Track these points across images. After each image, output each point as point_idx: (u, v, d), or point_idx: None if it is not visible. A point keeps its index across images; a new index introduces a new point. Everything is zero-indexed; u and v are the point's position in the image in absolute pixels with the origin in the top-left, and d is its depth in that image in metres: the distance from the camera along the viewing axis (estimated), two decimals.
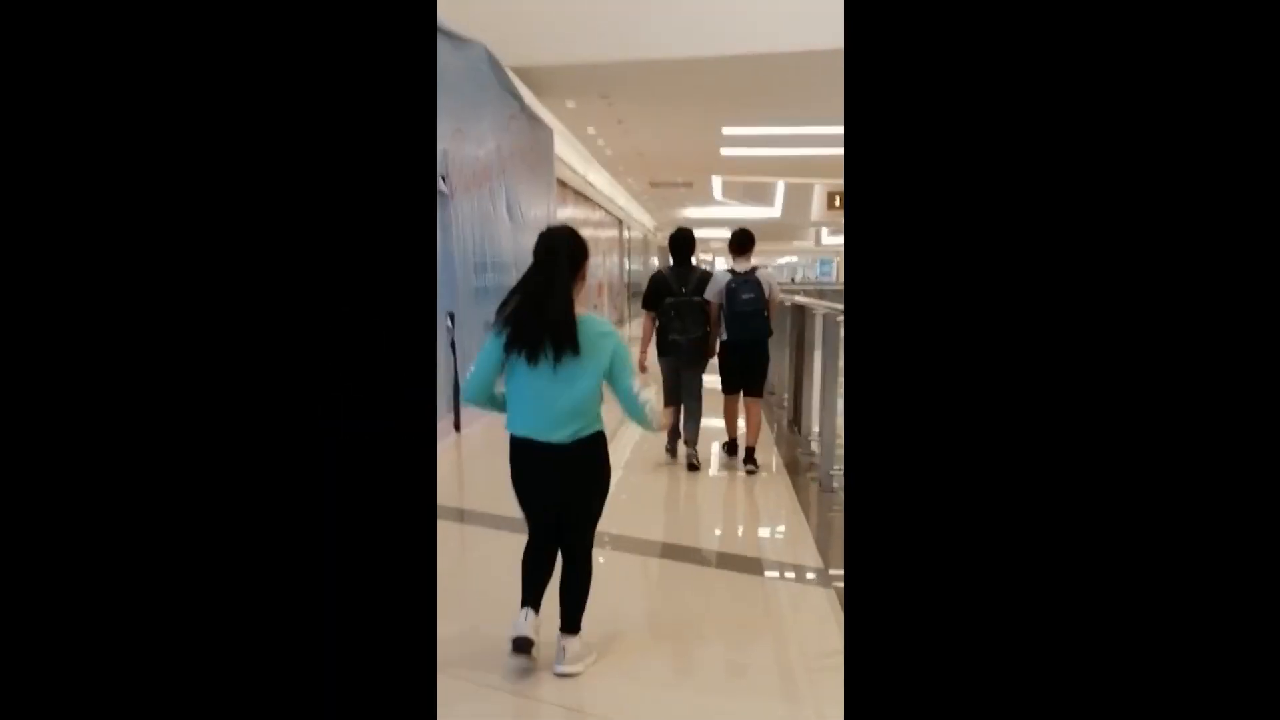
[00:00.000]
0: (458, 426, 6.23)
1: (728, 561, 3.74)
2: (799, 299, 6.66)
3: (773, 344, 6.03)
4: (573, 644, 2.57)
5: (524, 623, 2.49)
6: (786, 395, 7.03)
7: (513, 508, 2.69)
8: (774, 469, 5.49)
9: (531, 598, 2.55)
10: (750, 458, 5.27)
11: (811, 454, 5.60)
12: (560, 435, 2.47)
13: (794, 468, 5.43)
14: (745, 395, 5.31)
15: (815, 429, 5.71)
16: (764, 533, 4.48)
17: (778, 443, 6.22)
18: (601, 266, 16.49)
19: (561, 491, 2.55)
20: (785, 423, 6.80)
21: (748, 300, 5.02)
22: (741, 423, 5.41)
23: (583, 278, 2.59)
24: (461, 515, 4.41)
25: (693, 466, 5.24)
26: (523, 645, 2.47)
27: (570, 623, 2.59)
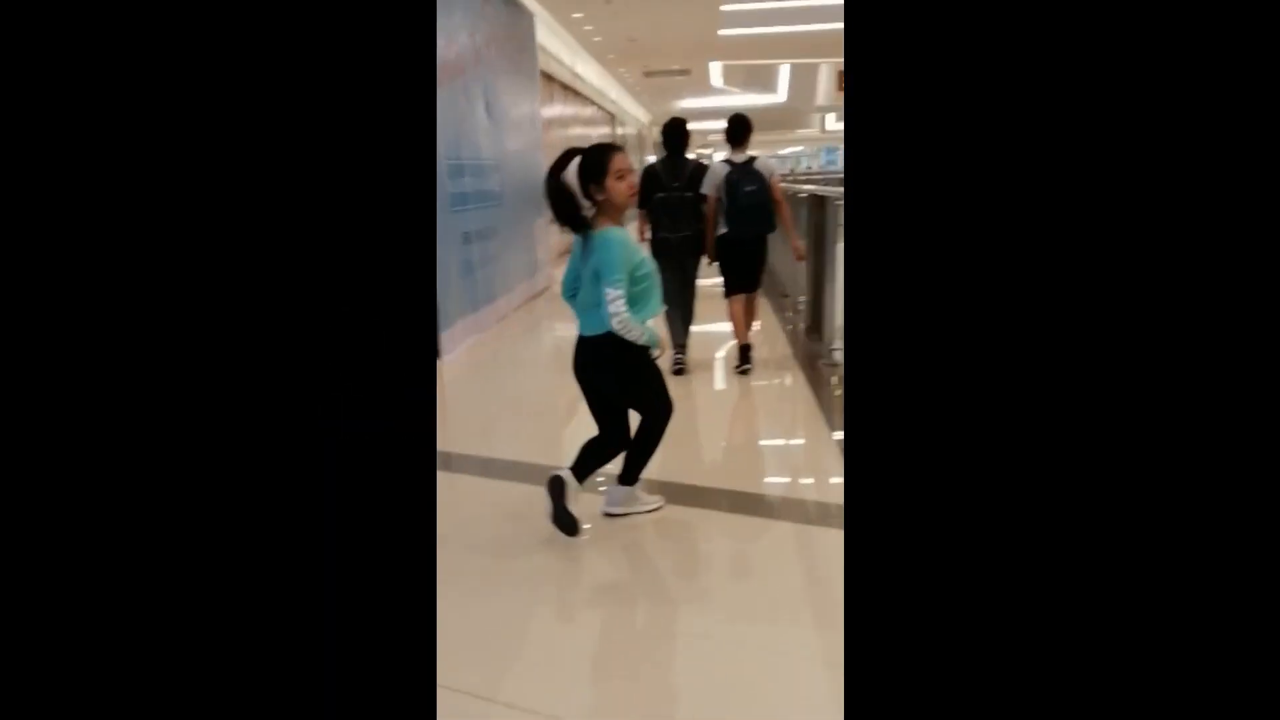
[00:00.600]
0: (435, 353, 5.67)
1: (758, 507, 3.21)
2: (814, 189, 5.96)
3: (785, 244, 5.72)
4: (617, 491, 2.97)
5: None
6: (803, 298, 6.40)
7: (501, 449, 2.75)
8: (794, 381, 4.95)
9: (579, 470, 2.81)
10: (747, 355, 5.07)
11: (835, 364, 5.04)
12: (584, 329, 2.72)
13: (817, 381, 4.87)
14: (746, 295, 5.03)
15: (840, 335, 5.16)
16: (796, 461, 3.93)
17: (795, 352, 5.64)
18: None
19: (594, 379, 2.78)
20: (803, 329, 6.19)
21: (751, 192, 4.69)
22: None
23: (608, 188, 2.59)
24: (448, 461, 3.81)
25: (678, 370, 4.98)
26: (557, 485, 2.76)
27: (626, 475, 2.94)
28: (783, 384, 5.03)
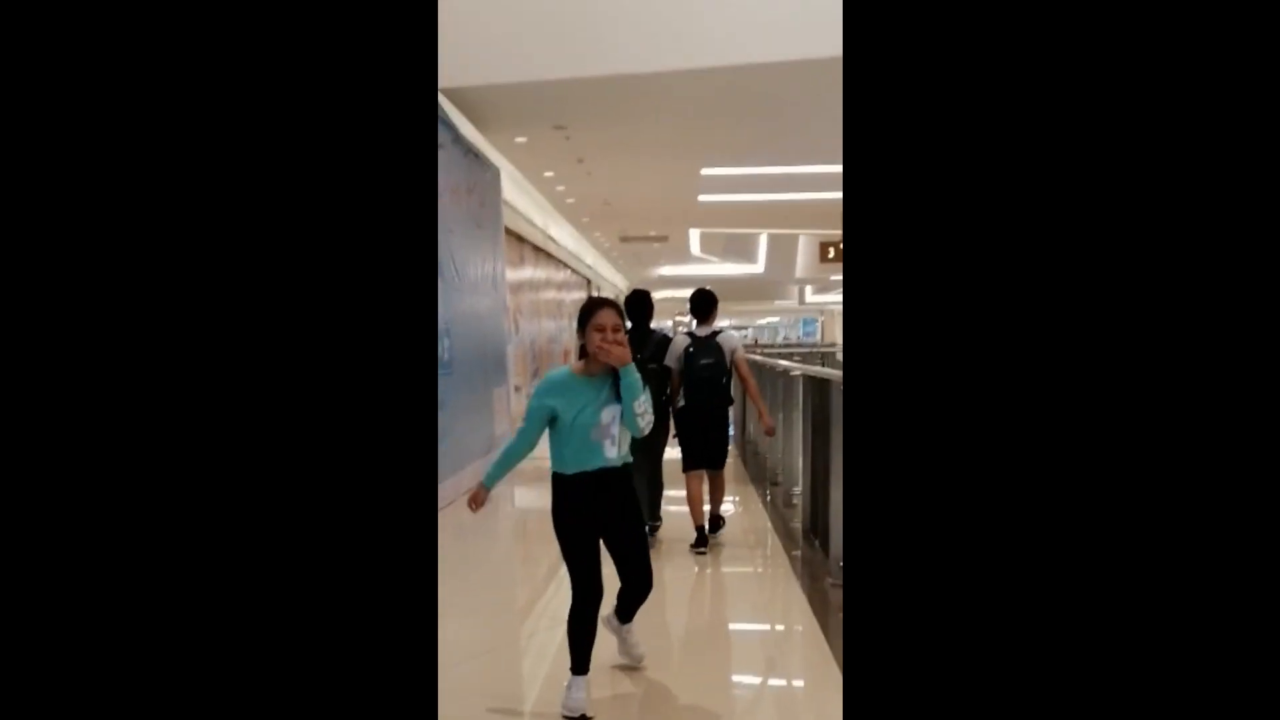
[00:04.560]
0: None
1: None
2: (815, 370, 5.27)
3: (784, 424, 5.65)
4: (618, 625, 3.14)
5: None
6: (798, 489, 5.58)
7: None
8: (793, 604, 4.01)
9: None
10: (715, 525, 5.07)
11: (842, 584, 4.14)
12: (609, 461, 2.86)
13: (822, 604, 3.94)
14: (708, 470, 5.01)
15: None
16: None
17: (793, 560, 4.76)
18: (567, 330, 15.15)
19: (614, 512, 2.92)
20: (801, 528, 5.32)
21: (705, 366, 4.79)
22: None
23: (588, 336, 2.76)
24: None
25: (650, 532, 4.92)
26: None
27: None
28: (773, 599, 4.12)
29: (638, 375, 2.78)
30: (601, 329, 2.73)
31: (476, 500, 2.86)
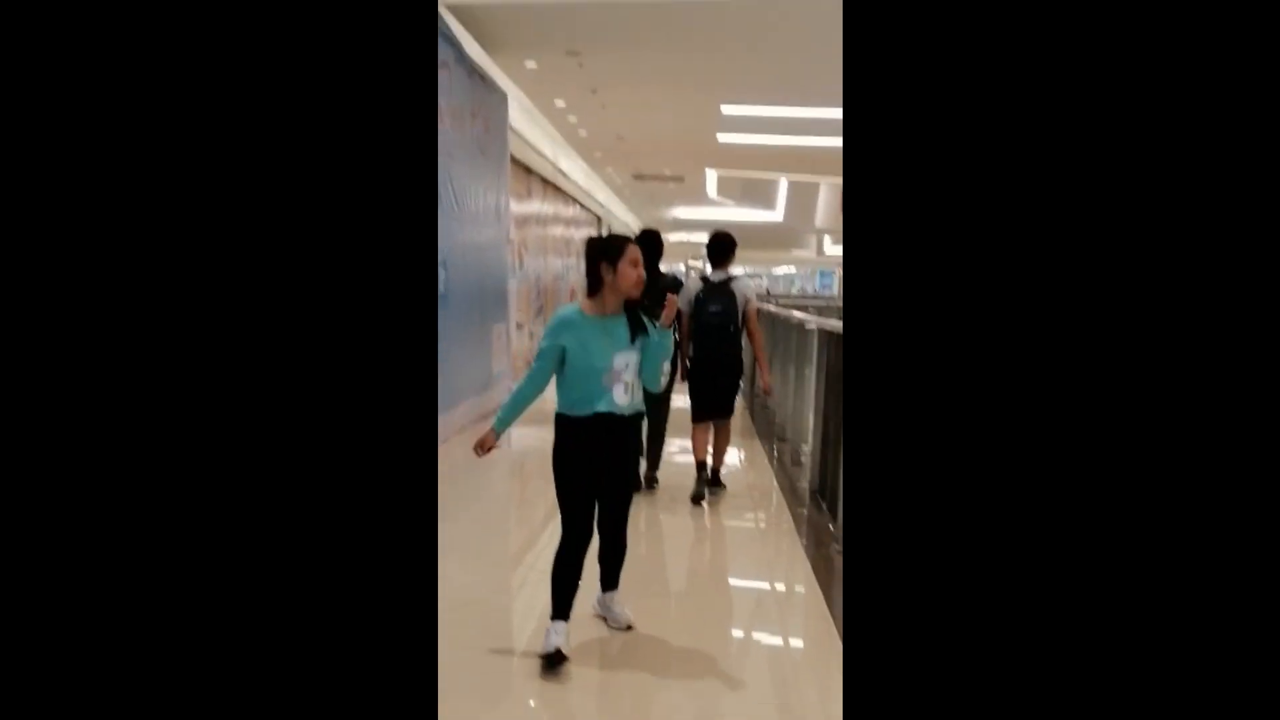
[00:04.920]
0: None
1: None
2: (830, 324, 4.93)
3: (796, 379, 5.47)
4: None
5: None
6: (807, 447, 5.30)
7: None
8: (796, 564, 3.76)
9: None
10: (715, 479, 4.97)
11: None
12: (620, 408, 2.77)
13: (826, 567, 3.69)
14: (716, 421, 4.89)
15: None
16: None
17: (798, 519, 4.50)
18: (574, 269, 14.81)
19: (614, 456, 2.86)
20: (808, 488, 5.05)
21: (715, 313, 4.62)
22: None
23: (619, 271, 2.70)
24: None
25: (649, 485, 4.97)
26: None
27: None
28: (775, 551, 3.87)
29: (671, 339, 2.77)
30: (636, 263, 2.68)
31: (484, 445, 2.72)
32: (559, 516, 2.76)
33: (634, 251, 2.70)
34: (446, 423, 6.20)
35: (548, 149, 11.73)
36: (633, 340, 2.70)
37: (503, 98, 8.14)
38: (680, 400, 5.02)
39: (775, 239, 29.97)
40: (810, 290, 35.04)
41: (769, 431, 7.01)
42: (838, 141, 12.08)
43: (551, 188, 13.02)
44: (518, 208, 9.99)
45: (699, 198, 21.25)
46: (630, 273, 2.67)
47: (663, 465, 5.12)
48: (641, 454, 4.65)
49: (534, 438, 5.76)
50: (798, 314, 6.27)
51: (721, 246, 4.82)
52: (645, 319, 2.74)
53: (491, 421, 2.74)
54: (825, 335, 4.81)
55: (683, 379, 4.83)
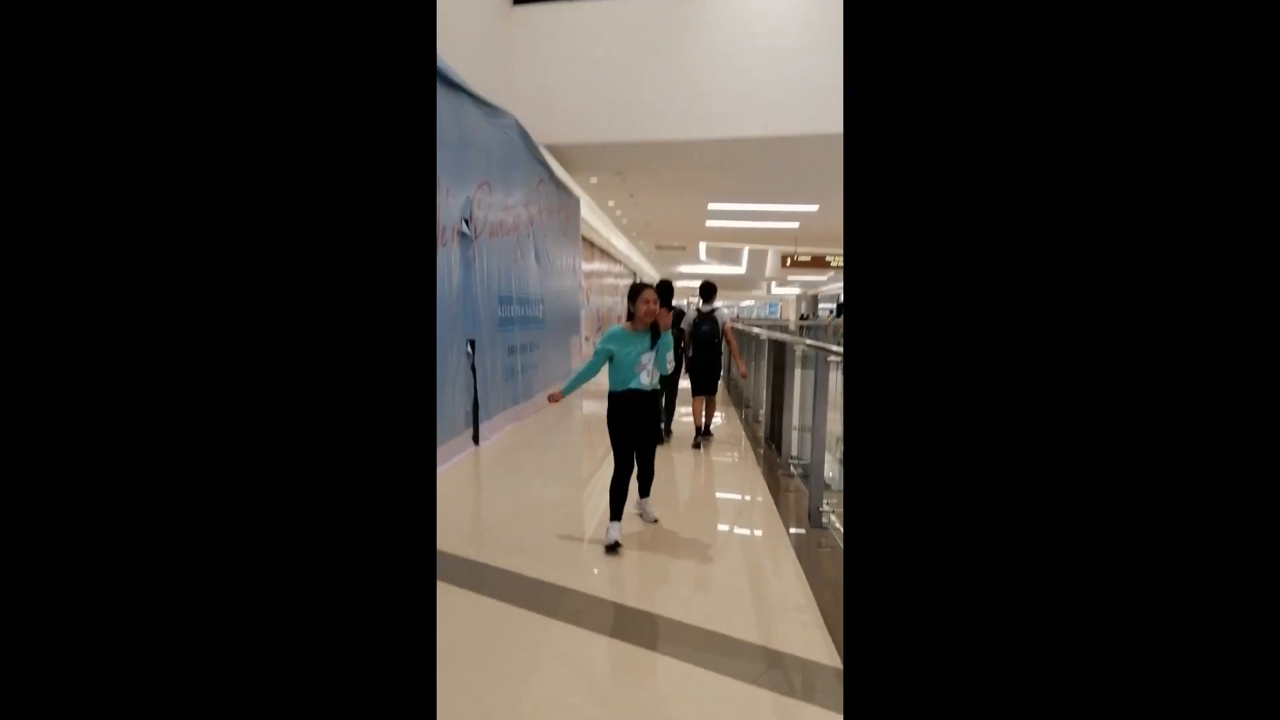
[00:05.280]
0: (476, 440, 4.66)
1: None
2: (778, 335, 5.07)
3: (755, 370, 5.41)
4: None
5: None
6: (763, 411, 5.42)
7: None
8: (756, 484, 3.84)
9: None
10: (706, 432, 4.96)
11: (791, 474, 4.01)
12: (644, 386, 2.78)
13: (775, 485, 3.82)
14: (705, 396, 4.92)
15: (794, 451, 4.17)
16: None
17: (758, 455, 4.60)
18: (620, 304, 14.90)
19: (646, 419, 2.87)
20: (763, 436, 5.18)
21: (705, 331, 4.81)
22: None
23: (634, 313, 2.77)
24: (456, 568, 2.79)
25: (666, 436, 4.99)
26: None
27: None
28: (744, 476, 4.00)
29: (671, 338, 2.83)
30: (649, 301, 2.78)
31: (554, 398, 2.81)
32: (612, 455, 2.84)
33: (649, 294, 2.78)
34: (544, 397, 6.39)
35: (603, 230, 11.83)
36: (652, 345, 2.78)
37: (576, 200, 8.27)
38: (684, 383, 5.06)
39: (740, 284, 29.78)
40: (764, 315, 34.78)
41: (740, 402, 7.04)
42: (782, 224, 12.10)
43: (605, 254, 13.11)
44: (585, 266, 10.10)
45: (694, 259, 21.24)
46: (644, 307, 2.77)
47: (674, 424, 5.18)
48: (661, 416, 4.76)
49: (594, 407, 5.93)
50: (755, 329, 6.39)
51: (709, 289, 4.88)
52: (659, 332, 2.83)
53: (562, 386, 2.83)
54: (772, 342, 4.93)
55: (685, 370, 4.91)
